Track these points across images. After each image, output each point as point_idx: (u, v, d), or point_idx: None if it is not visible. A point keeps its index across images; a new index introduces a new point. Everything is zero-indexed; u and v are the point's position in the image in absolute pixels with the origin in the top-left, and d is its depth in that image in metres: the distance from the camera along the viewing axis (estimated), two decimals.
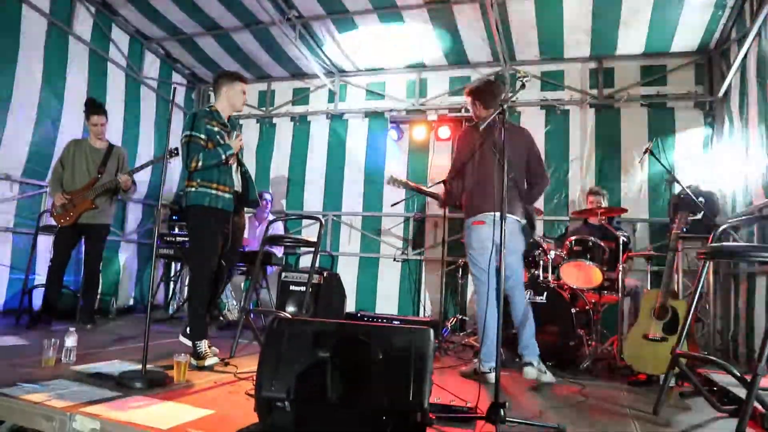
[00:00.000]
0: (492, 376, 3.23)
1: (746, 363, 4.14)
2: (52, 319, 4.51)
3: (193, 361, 3.14)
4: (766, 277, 3.89)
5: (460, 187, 3.62)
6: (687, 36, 5.39)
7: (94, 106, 4.77)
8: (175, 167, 7.24)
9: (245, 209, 3.95)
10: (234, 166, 3.48)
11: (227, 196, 3.37)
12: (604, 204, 4.85)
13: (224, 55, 6.75)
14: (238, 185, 3.50)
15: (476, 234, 3.47)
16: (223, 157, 3.31)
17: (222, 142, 3.37)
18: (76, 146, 4.73)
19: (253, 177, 3.70)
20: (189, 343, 3.28)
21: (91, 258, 4.72)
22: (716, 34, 5.28)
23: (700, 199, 4.78)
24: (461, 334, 5.43)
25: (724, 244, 3.79)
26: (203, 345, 3.26)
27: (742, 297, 4.41)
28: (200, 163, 3.24)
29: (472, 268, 3.55)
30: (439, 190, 4.18)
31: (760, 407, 2.35)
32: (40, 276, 5.04)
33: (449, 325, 5.28)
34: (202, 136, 3.29)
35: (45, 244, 5.08)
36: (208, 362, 3.19)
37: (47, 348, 2.96)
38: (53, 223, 4.62)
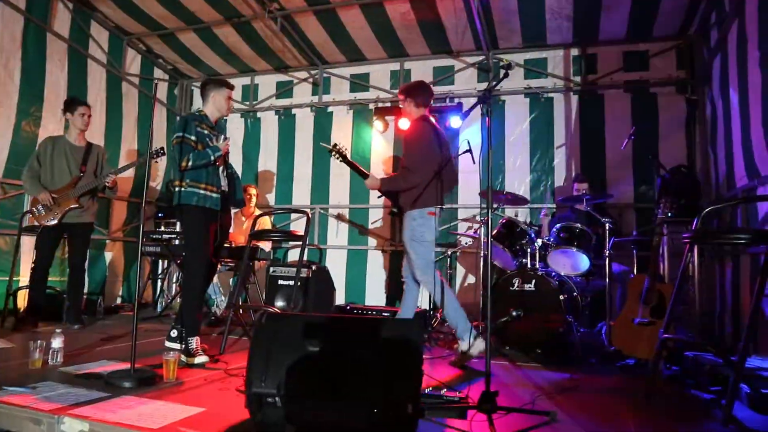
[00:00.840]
0: (477, 344, 3.28)
1: (733, 344, 4.20)
2: (38, 321, 4.45)
3: (183, 359, 3.16)
4: (751, 258, 3.94)
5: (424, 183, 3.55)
6: (668, 20, 5.40)
7: (79, 100, 4.73)
8: (160, 165, 7.18)
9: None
10: (221, 168, 3.60)
11: (214, 195, 3.49)
12: (591, 191, 4.88)
13: (206, 49, 6.66)
14: (224, 185, 3.64)
15: (429, 225, 3.49)
16: (212, 158, 3.44)
17: (211, 144, 3.51)
18: (54, 143, 4.57)
19: (239, 171, 3.75)
20: (175, 346, 3.30)
21: (76, 257, 4.66)
22: (696, 18, 5.30)
23: (685, 182, 4.83)
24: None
25: (708, 227, 3.84)
26: (194, 342, 3.28)
27: (728, 278, 4.46)
28: (190, 163, 3.36)
29: (421, 263, 3.49)
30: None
31: (746, 387, 2.39)
32: (25, 278, 4.96)
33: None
34: (193, 138, 3.42)
35: (28, 245, 5.00)
36: (198, 360, 3.21)
37: (33, 350, 2.93)
38: (36, 223, 4.53)
